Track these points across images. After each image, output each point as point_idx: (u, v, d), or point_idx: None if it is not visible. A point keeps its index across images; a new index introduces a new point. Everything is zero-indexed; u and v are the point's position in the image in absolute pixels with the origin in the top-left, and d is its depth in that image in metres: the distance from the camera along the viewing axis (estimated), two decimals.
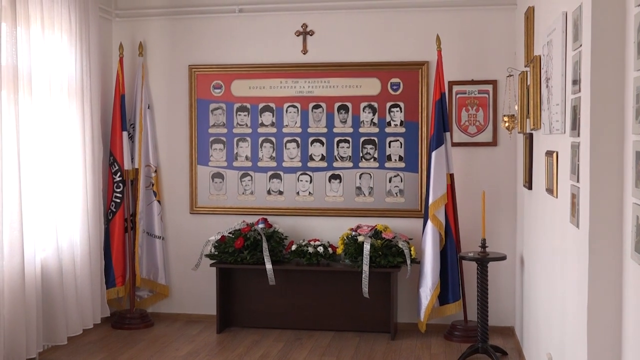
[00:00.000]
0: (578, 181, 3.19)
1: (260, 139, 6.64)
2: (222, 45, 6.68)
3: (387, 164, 6.46)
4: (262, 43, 6.61)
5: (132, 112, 6.64)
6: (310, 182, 6.58)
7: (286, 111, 6.59)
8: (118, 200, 6.45)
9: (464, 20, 6.31)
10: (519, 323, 5.86)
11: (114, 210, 6.44)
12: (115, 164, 6.44)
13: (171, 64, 6.76)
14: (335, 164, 6.54)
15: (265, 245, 6.16)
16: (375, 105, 6.46)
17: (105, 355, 5.70)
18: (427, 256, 6.03)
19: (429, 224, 6.01)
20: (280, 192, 6.62)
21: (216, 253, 6.33)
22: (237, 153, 6.68)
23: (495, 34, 6.27)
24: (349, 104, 6.49)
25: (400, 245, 6.04)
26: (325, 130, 6.54)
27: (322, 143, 6.55)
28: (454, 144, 6.26)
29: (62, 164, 5.70)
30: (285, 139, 6.60)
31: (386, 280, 6.13)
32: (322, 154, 6.55)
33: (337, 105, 6.51)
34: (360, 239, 6.04)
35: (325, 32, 6.53)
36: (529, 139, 5.07)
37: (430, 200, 5.99)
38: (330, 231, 6.48)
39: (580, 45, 3.17)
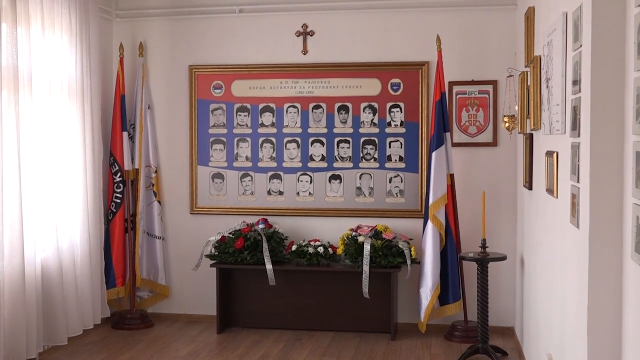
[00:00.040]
0: (578, 181, 3.19)
1: (261, 140, 6.64)
2: (222, 46, 6.68)
3: (387, 164, 6.46)
4: (262, 43, 6.61)
5: (133, 113, 6.64)
6: (311, 182, 6.58)
7: (286, 111, 6.59)
8: (118, 201, 6.45)
9: (464, 20, 6.32)
10: (519, 323, 5.86)
11: (114, 210, 6.44)
12: (115, 164, 6.44)
13: (171, 64, 6.76)
14: (335, 165, 6.54)
15: (265, 245, 6.16)
16: (376, 105, 6.46)
17: (105, 355, 5.70)
18: (427, 256, 6.03)
19: (429, 224, 6.01)
20: (281, 193, 6.62)
21: (216, 253, 6.33)
22: (237, 153, 6.68)
23: (495, 34, 6.27)
24: (349, 104, 6.49)
25: (400, 246, 6.04)
26: (325, 130, 6.54)
27: (323, 143, 6.55)
28: (454, 144, 6.26)
29: (63, 164, 5.70)
30: (286, 140, 6.60)
31: (386, 281, 6.13)
32: (322, 155, 6.55)
33: (337, 105, 6.51)
34: (360, 239, 6.04)
35: (325, 32, 6.53)
36: (529, 139, 5.07)
37: (431, 201, 5.99)
38: (331, 231, 6.48)
39: (581, 46, 3.17)
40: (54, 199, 5.57)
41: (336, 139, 6.53)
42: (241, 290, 6.48)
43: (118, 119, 6.42)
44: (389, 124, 6.44)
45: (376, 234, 6.12)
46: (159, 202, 6.69)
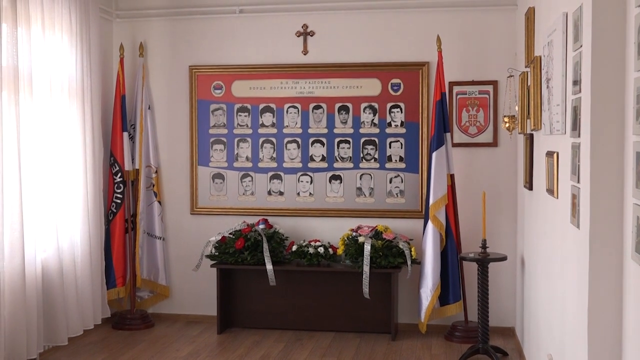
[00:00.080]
0: (578, 182, 3.19)
1: (261, 140, 6.64)
2: (222, 46, 6.68)
3: (387, 165, 6.46)
4: (262, 44, 6.61)
5: (133, 113, 6.64)
6: (311, 182, 6.58)
7: (287, 112, 6.59)
8: (119, 201, 6.45)
9: (464, 20, 6.31)
10: (520, 323, 5.86)
11: (115, 210, 6.44)
12: (115, 164, 6.44)
13: (172, 65, 6.76)
14: (335, 165, 6.54)
15: (265, 245, 6.16)
16: (376, 105, 6.46)
17: (105, 355, 5.70)
18: (427, 257, 6.03)
19: (430, 224, 6.01)
20: (281, 193, 6.62)
21: (217, 254, 6.33)
22: (237, 154, 6.68)
23: (495, 34, 6.27)
24: (350, 105, 6.49)
25: (400, 246, 6.04)
26: (325, 130, 6.54)
27: (323, 144, 6.55)
28: (455, 145, 6.26)
29: (63, 165, 5.70)
30: (286, 140, 6.60)
31: (387, 281, 6.13)
32: (322, 155, 6.55)
33: (337, 105, 6.51)
34: (360, 239, 6.04)
35: (325, 32, 6.53)
36: (530, 139, 5.07)
37: (431, 201, 5.99)
38: (331, 232, 6.48)
39: (581, 46, 3.17)
40: (55, 199, 5.57)
41: (336, 139, 6.53)
42: (241, 290, 6.48)
43: (118, 119, 6.43)
44: (389, 125, 6.44)
45: (376, 234, 6.12)
46: (159, 202, 6.69)
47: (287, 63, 6.57)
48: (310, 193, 6.58)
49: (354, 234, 6.16)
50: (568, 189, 3.50)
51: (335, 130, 6.52)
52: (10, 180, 4.96)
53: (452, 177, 6.10)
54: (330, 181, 6.55)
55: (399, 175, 6.44)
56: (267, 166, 6.64)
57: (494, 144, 6.30)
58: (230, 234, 6.35)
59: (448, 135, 6.08)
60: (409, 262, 5.97)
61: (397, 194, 6.45)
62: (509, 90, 5.86)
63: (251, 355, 5.72)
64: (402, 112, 6.42)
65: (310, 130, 6.56)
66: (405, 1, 6.38)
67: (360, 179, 6.50)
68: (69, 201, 5.77)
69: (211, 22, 6.68)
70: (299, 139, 6.58)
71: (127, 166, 6.47)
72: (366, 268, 5.93)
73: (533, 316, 4.99)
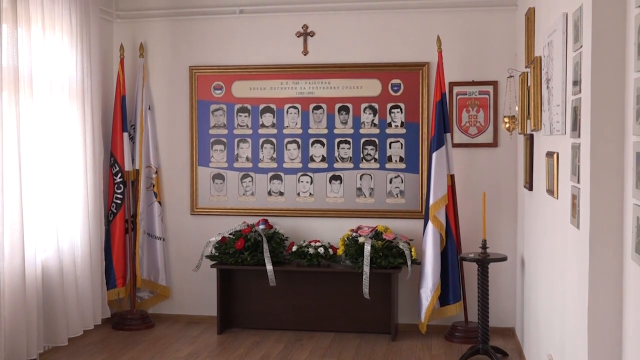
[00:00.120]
0: (578, 182, 3.19)
1: (261, 140, 6.64)
2: (222, 47, 6.68)
3: (387, 165, 6.46)
4: (262, 44, 6.61)
5: (133, 113, 6.64)
6: (311, 183, 6.58)
7: (287, 112, 6.59)
8: (119, 202, 6.45)
9: (464, 21, 6.32)
10: (520, 324, 5.86)
11: (115, 211, 6.44)
12: (115, 165, 6.44)
13: (172, 65, 6.76)
14: (335, 165, 6.54)
15: (265, 246, 6.16)
16: (376, 106, 6.46)
17: (105, 356, 5.70)
18: (427, 257, 6.03)
19: (430, 225, 6.01)
20: (281, 193, 6.62)
21: (217, 254, 6.33)
22: (237, 154, 6.68)
23: (495, 35, 6.27)
24: (350, 105, 6.49)
25: (400, 246, 6.04)
26: (325, 131, 6.54)
27: (323, 144, 6.55)
28: (455, 145, 6.26)
29: (63, 165, 5.70)
30: (286, 140, 6.60)
31: (387, 281, 6.12)
32: (322, 155, 6.55)
33: (337, 106, 6.52)
34: (360, 240, 6.04)
35: (325, 33, 6.53)
36: (530, 139, 5.07)
37: (431, 201, 5.99)
38: (331, 232, 6.48)
39: (581, 46, 3.17)
40: (55, 200, 5.57)
41: (336, 140, 6.53)
42: (241, 291, 6.48)
43: (118, 119, 6.43)
44: (390, 125, 6.44)
45: (376, 234, 6.12)
46: (159, 202, 6.69)
47: (287, 63, 6.57)
48: (310, 193, 6.58)
49: (354, 234, 6.16)
50: (568, 189, 3.50)
51: (336, 131, 6.52)
52: (10, 180, 4.96)
53: (452, 177, 6.10)
54: (330, 181, 6.55)
55: (399, 176, 6.44)
56: (267, 166, 6.64)
57: (494, 144, 6.30)
58: (230, 234, 6.35)
59: (448, 135, 6.08)
60: (409, 263, 5.97)
61: (397, 194, 6.45)
62: (509, 91, 5.86)
63: (251, 356, 5.72)
64: (402, 112, 6.42)
65: (310, 131, 6.56)
66: (406, 1, 6.38)
67: (361, 179, 6.51)
68: (69, 201, 5.77)
69: (211, 23, 6.68)
70: (299, 140, 6.58)
71: (127, 166, 6.47)
72: (366, 268, 5.93)
73: (533, 316, 4.99)
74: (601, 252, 2.92)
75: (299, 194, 6.60)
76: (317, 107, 6.55)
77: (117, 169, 6.44)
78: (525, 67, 5.22)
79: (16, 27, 5.03)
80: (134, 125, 6.62)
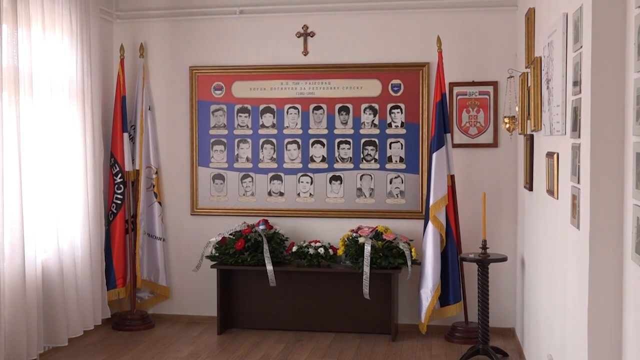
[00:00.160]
0: (579, 182, 3.19)
1: (261, 141, 6.64)
2: (222, 47, 6.68)
3: (387, 166, 6.46)
4: (262, 44, 6.61)
5: (133, 114, 6.64)
6: (311, 183, 6.58)
7: (287, 112, 6.59)
8: (119, 202, 6.45)
9: (464, 21, 6.32)
10: (520, 324, 5.86)
11: (115, 211, 6.44)
12: (116, 165, 6.45)
13: (172, 66, 6.76)
14: (336, 166, 6.54)
15: (266, 246, 6.16)
16: (376, 106, 6.46)
17: (106, 356, 5.70)
18: (427, 257, 6.03)
19: (430, 225, 6.01)
20: (281, 194, 6.62)
21: (217, 254, 6.33)
22: (237, 154, 6.68)
23: (496, 35, 6.27)
24: (350, 105, 6.49)
25: (401, 247, 6.04)
26: (326, 131, 6.54)
27: (323, 144, 6.55)
28: (455, 145, 6.26)
29: (63, 166, 5.70)
30: (286, 141, 6.60)
31: (387, 282, 6.12)
32: (322, 156, 6.55)
33: (337, 106, 6.52)
34: (361, 240, 6.04)
35: (326, 33, 6.53)
36: (530, 140, 5.07)
37: (431, 202, 5.99)
38: (331, 232, 6.48)
39: (581, 47, 3.17)
40: (55, 200, 5.57)
41: (337, 140, 6.53)
42: (242, 291, 6.48)
43: (119, 120, 6.43)
44: (390, 125, 6.44)
45: (377, 235, 6.12)
46: (159, 203, 6.69)
47: (288, 64, 6.57)
48: (310, 194, 6.58)
49: (354, 234, 6.16)
50: (568, 189, 3.50)
51: (336, 131, 6.52)
52: (10, 180, 4.96)
53: (452, 177, 6.10)
54: (330, 182, 6.55)
55: (399, 176, 6.44)
56: (268, 167, 6.64)
57: (494, 144, 6.30)
58: (230, 234, 6.35)
59: (448, 136, 6.08)
60: (409, 263, 5.97)
61: (397, 194, 6.45)
62: (509, 91, 5.86)
63: (251, 356, 5.72)
64: (402, 112, 6.42)
65: (310, 131, 6.56)
66: (406, 2, 6.38)
67: (361, 179, 6.51)
68: (69, 202, 5.77)
69: (211, 23, 6.68)
70: (299, 140, 6.58)
71: (128, 167, 6.47)
72: (366, 269, 5.93)
73: (533, 317, 4.99)
74: (601, 253, 2.92)
75: (299, 194, 6.60)
76: (317, 108, 6.55)
77: (117, 169, 6.44)
78: (526, 68, 5.22)
79: (16, 27, 5.03)
80: (134, 125, 6.62)
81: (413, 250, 6.03)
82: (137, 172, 6.58)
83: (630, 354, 2.74)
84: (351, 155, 6.50)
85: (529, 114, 4.92)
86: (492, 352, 5.47)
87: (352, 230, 6.22)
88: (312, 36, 6.55)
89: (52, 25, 5.56)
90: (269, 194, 6.64)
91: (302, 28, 6.55)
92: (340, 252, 6.18)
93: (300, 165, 6.58)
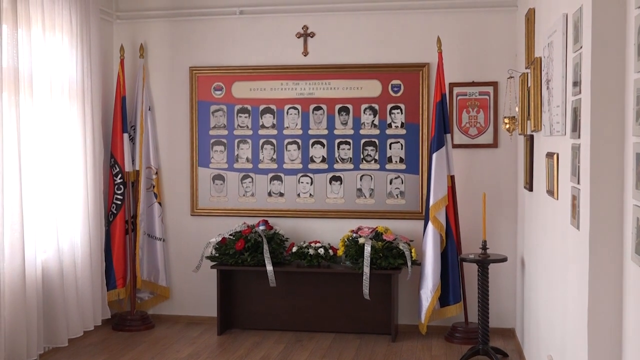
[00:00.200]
0: (578, 183, 3.19)
1: (261, 141, 6.64)
2: (222, 47, 6.68)
3: (387, 166, 6.46)
4: (262, 45, 6.61)
5: (133, 114, 6.64)
6: (311, 183, 6.58)
7: (287, 113, 6.59)
8: (119, 202, 6.45)
9: (464, 22, 6.32)
10: (520, 325, 5.86)
11: (115, 212, 6.44)
12: (116, 165, 6.44)
13: (172, 66, 6.76)
14: (336, 166, 6.54)
15: (266, 247, 6.16)
16: (376, 106, 6.46)
17: (106, 357, 5.70)
18: (427, 258, 6.03)
19: (430, 225, 6.01)
20: (281, 194, 6.62)
21: (217, 255, 6.33)
22: (237, 155, 6.68)
23: (496, 35, 6.27)
24: (350, 106, 6.49)
25: (401, 247, 6.04)
26: (326, 132, 6.54)
27: (323, 145, 6.55)
28: (455, 146, 6.26)
29: (63, 166, 5.70)
30: (286, 141, 6.60)
31: (387, 282, 6.12)
32: (322, 156, 6.55)
33: (337, 107, 6.52)
34: (361, 240, 6.04)
35: (326, 33, 6.53)
36: (530, 140, 5.06)
37: (431, 202, 5.99)
38: (331, 233, 6.47)
39: (581, 47, 3.17)
40: (55, 201, 5.57)
41: (337, 141, 6.53)
42: (242, 291, 6.48)
43: (119, 120, 6.43)
44: (390, 126, 6.44)
45: (377, 235, 6.12)
46: (159, 203, 6.69)
47: (288, 64, 6.57)
48: (310, 194, 6.58)
49: (354, 235, 6.16)
50: (568, 190, 3.49)
51: (336, 132, 6.52)
52: (10, 181, 4.96)
53: (452, 178, 6.10)
54: (330, 182, 6.55)
55: (399, 177, 6.44)
56: (268, 167, 6.64)
57: (494, 145, 6.30)
58: (230, 235, 6.35)
59: (448, 136, 6.08)
60: (409, 263, 5.97)
61: (397, 195, 6.45)
62: (509, 92, 5.86)
63: (251, 357, 5.71)
64: (402, 113, 6.42)
65: (310, 132, 6.56)
66: (406, 2, 6.38)
67: (361, 180, 6.50)
68: (69, 202, 5.77)
69: (211, 23, 6.68)
70: (299, 140, 6.58)
71: (128, 167, 6.47)
72: (366, 269, 5.93)
73: (533, 317, 4.99)
74: (601, 253, 2.92)
75: (299, 194, 6.60)
76: (317, 108, 6.55)
77: (117, 169, 6.44)
78: (526, 68, 5.22)
79: (16, 27, 5.03)
80: (134, 126, 6.62)
81: (413, 250, 6.03)
82: (137, 172, 6.58)
83: (631, 354, 2.74)
84: (351, 156, 6.50)
85: (529, 115, 4.92)
86: (492, 352, 5.47)
87: (352, 231, 6.22)
88: (312, 37, 6.55)
89: (52, 26, 5.56)
90: (269, 194, 6.64)
91: (302, 28, 6.55)
92: (340, 252, 6.18)
93: (300, 166, 6.58)
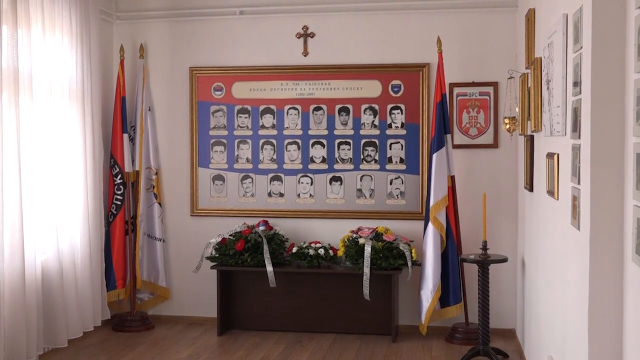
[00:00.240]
0: (579, 183, 3.19)
1: (261, 141, 6.64)
2: (222, 48, 6.68)
3: (388, 166, 6.45)
4: (262, 45, 6.61)
5: (133, 114, 6.64)
6: (311, 184, 6.57)
7: (287, 113, 6.59)
8: (119, 203, 6.45)
9: (465, 22, 6.31)
10: (520, 325, 5.85)
11: (115, 212, 6.44)
12: (115, 166, 6.44)
13: (172, 66, 6.76)
14: (336, 166, 6.53)
15: (266, 247, 6.15)
16: (376, 107, 6.45)
17: (105, 358, 5.69)
18: (428, 258, 6.02)
19: (430, 226, 6.00)
20: (281, 194, 6.62)
21: (217, 255, 6.33)
22: (237, 155, 6.67)
23: (496, 35, 6.27)
24: (350, 106, 6.49)
25: (401, 248, 6.03)
26: (326, 132, 6.54)
27: (323, 145, 6.55)
28: (455, 146, 6.25)
29: (63, 167, 5.70)
30: (286, 141, 6.60)
31: (387, 283, 6.12)
32: (322, 156, 6.54)
33: (337, 107, 6.51)
34: (361, 241, 6.03)
35: (326, 34, 6.53)
36: (530, 141, 5.06)
37: (431, 203, 5.99)
38: (331, 233, 6.47)
39: (581, 47, 3.16)
40: (55, 201, 5.57)
41: (337, 141, 6.52)
42: (242, 292, 6.47)
43: (118, 120, 6.42)
44: (390, 126, 6.43)
45: (377, 235, 6.12)
46: (159, 204, 6.68)
47: (288, 64, 6.57)
48: (310, 194, 6.58)
49: (354, 235, 6.16)
50: (568, 190, 3.49)
51: (336, 132, 6.52)
52: (10, 181, 4.96)
53: (452, 178, 6.09)
54: (330, 183, 6.54)
55: (399, 177, 6.44)
56: (268, 168, 6.63)
57: (495, 145, 6.30)
58: (230, 235, 6.35)
59: (448, 136, 6.07)
60: (409, 264, 5.97)
61: (397, 195, 6.44)
62: (509, 92, 5.85)
63: (251, 357, 5.71)
64: (402, 113, 6.42)
65: (310, 132, 6.56)
66: (406, 2, 6.37)
67: (361, 180, 6.50)
68: (69, 203, 5.76)
69: (211, 24, 6.68)
70: (299, 141, 6.57)
71: (127, 168, 6.47)
72: (366, 270, 5.92)
73: (534, 318, 4.98)
74: (601, 254, 2.91)
75: (299, 195, 6.60)
76: (318, 108, 6.54)
77: (117, 170, 6.44)
78: (526, 68, 5.21)
79: (16, 28, 5.03)
80: (134, 126, 6.62)
81: (413, 251, 6.02)
82: (137, 173, 6.58)
83: (631, 355, 2.74)
84: (351, 156, 6.49)
85: (529, 115, 4.92)
86: (492, 353, 5.46)
87: (352, 231, 6.22)
88: (312, 37, 6.54)
89: (52, 26, 5.56)
90: (269, 194, 6.64)
91: (302, 29, 6.55)
92: (340, 253, 6.18)
93: (301, 166, 6.58)
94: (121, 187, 6.45)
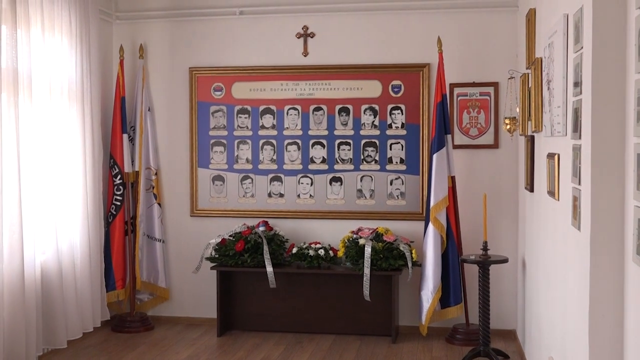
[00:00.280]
0: (579, 184, 3.18)
1: (261, 142, 6.63)
2: (222, 48, 6.67)
3: (388, 167, 6.44)
4: (262, 45, 6.60)
5: (133, 115, 6.63)
6: (311, 184, 6.56)
7: (287, 113, 6.58)
8: (118, 203, 6.44)
9: (465, 22, 6.30)
10: (521, 326, 5.84)
11: (114, 213, 6.43)
12: (115, 166, 6.43)
13: (172, 66, 6.75)
14: (336, 167, 6.52)
15: (266, 248, 6.14)
16: (377, 107, 6.44)
17: (105, 358, 5.69)
18: (428, 259, 6.01)
19: (431, 226, 5.99)
20: (281, 195, 6.61)
21: (217, 256, 6.32)
22: (237, 155, 6.67)
23: (496, 36, 6.26)
24: (350, 106, 6.48)
25: (401, 248, 6.02)
26: (326, 132, 6.53)
27: (323, 145, 6.54)
28: (455, 147, 6.24)
29: (62, 167, 5.69)
30: (286, 142, 6.59)
31: (387, 283, 6.11)
32: (323, 157, 6.54)
33: (338, 107, 6.50)
34: (361, 241, 6.02)
35: (326, 34, 6.52)
36: (531, 141, 5.05)
37: (432, 203, 5.98)
38: (331, 234, 6.46)
39: (582, 48, 3.16)
40: (54, 202, 5.56)
41: (337, 141, 6.51)
42: (242, 293, 6.46)
43: (118, 121, 6.41)
44: (390, 126, 6.42)
45: (377, 236, 6.11)
46: (159, 204, 6.67)
47: (288, 65, 6.56)
48: (310, 195, 6.57)
49: (355, 236, 6.15)
50: (569, 191, 3.48)
51: (336, 132, 6.51)
52: (9, 182, 4.95)
53: (453, 179, 6.08)
54: (330, 183, 6.53)
55: (399, 177, 6.43)
56: (268, 168, 6.62)
57: (495, 145, 6.29)
58: (230, 236, 6.34)
59: (449, 137, 6.06)
60: (409, 265, 5.96)
61: (397, 196, 6.43)
62: (509, 92, 5.84)
63: (251, 358, 5.70)
64: (402, 113, 6.41)
65: (310, 132, 6.55)
66: (406, 3, 6.37)
67: (361, 180, 6.49)
68: (68, 203, 5.75)
69: (211, 24, 6.67)
70: (299, 141, 6.56)
71: (127, 168, 6.46)
72: (367, 270, 5.91)
73: (534, 319, 4.98)
74: (602, 254, 2.91)
75: (299, 195, 6.59)
76: (318, 109, 6.53)
77: (117, 170, 6.43)
78: (526, 68, 5.21)
79: (15, 28, 5.02)
80: (134, 126, 6.61)
81: (413, 251, 6.01)
82: (137, 173, 6.57)
83: (631, 355, 2.73)
84: (351, 157, 6.48)
85: (529, 115, 4.91)
86: (493, 354, 5.46)
87: (353, 232, 6.21)
88: (312, 37, 6.54)
89: (51, 26, 5.55)
90: (269, 195, 6.63)
91: (302, 29, 6.54)
92: (340, 253, 6.17)
93: (300, 167, 6.57)
94: (121, 187, 6.45)
